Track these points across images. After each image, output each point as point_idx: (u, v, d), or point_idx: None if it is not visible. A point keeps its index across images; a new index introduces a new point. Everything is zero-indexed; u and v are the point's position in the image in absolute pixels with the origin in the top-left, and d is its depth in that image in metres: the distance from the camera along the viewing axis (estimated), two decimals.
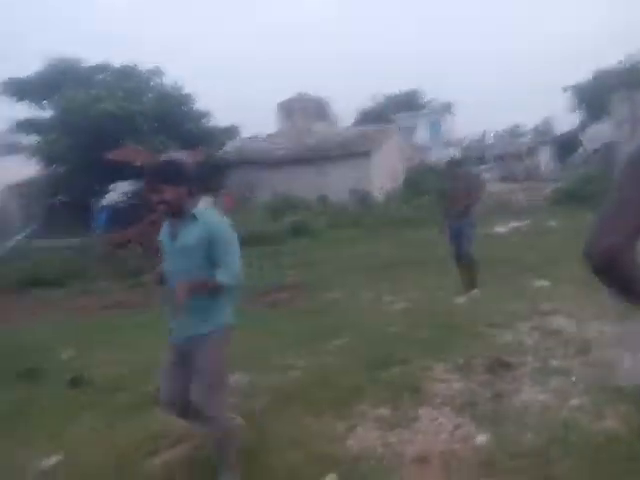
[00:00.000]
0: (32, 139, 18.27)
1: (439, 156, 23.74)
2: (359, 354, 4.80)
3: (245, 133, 23.74)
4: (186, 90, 19.29)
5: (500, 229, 12.37)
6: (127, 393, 4.36)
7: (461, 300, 6.42)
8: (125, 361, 5.14)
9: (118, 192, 11.26)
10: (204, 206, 9.73)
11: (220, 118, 20.35)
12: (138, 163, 11.36)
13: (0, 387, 4.79)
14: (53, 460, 3.36)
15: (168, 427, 3.68)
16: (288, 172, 19.20)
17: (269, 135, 23.92)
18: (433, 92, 50.28)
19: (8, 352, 5.76)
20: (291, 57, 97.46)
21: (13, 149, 18.36)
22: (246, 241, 12.63)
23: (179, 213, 2.74)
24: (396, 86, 48.28)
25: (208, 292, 2.65)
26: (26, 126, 18.17)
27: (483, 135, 39.99)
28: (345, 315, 6.25)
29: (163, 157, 11.16)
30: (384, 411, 3.57)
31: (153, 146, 15.26)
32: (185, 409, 2.81)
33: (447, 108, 37.01)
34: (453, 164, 7.72)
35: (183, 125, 18.08)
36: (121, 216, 10.94)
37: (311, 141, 21.38)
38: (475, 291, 6.65)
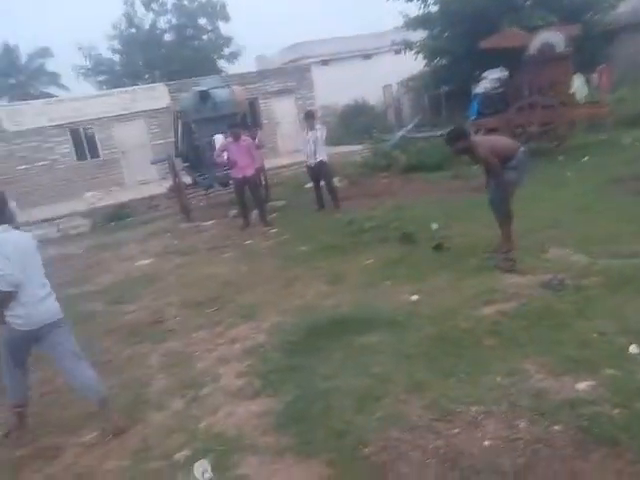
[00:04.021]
0: (420, 35, 19.98)
1: None
2: None
3: None
4: None
5: None
6: (475, 259, 5.25)
7: None
8: (477, 234, 6.00)
9: (490, 79, 11.60)
10: (578, 84, 9.12)
11: None
12: (514, 46, 11.32)
13: (389, 244, 6.43)
14: (415, 297, 4.61)
15: (504, 287, 4.43)
16: None
17: None
18: None
19: (395, 220, 7.46)
20: None
21: (407, 46, 20.43)
22: (631, 121, 11.33)
23: None
24: None
25: None
26: (415, 23, 19.85)
27: None
28: None
29: (536, 36, 10.85)
30: None
31: (531, 23, 14.64)
32: None
33: None
34: None
35: None
36: (491, 103, 11.37)
37: None
38: None
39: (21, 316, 3.23)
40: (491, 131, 11.60)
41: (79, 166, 17.46)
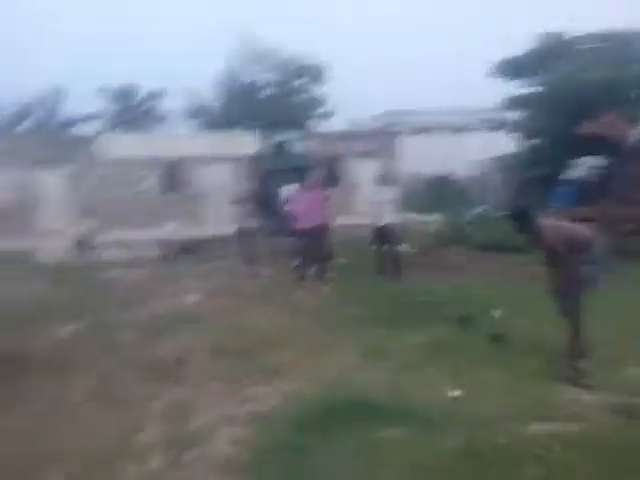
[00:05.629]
0: (518, 115, 19.53)
1: None
2: None
3: None
4: None
5: None
6: (536, 360, 4.54)
7: None
8: (545, 331, 5.23)
9: (585, 166, 10.87)
10: None
11: None
12: (614, 136, 10.60)
13: (443, 325, 5.82)
14: (456, 393, 3.98)
15: (563, 402, 3.72)
16: None
17: None
18: None
19: (456, 299, 6.85)
20: None
21: (501, 125, 20.02)
22: None
23: None
24: None
25: None
26: (513, 103, 19.47)
27: None
28: None
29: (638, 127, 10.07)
30: None
31: (634, 117, 13.80)
32: None
33: None
34: None
35: None
36: (583, 192, 10.57)
37: None
38: None
39: None
40: (584, 221, 10.70)
41: (164, 199, 18.34)
